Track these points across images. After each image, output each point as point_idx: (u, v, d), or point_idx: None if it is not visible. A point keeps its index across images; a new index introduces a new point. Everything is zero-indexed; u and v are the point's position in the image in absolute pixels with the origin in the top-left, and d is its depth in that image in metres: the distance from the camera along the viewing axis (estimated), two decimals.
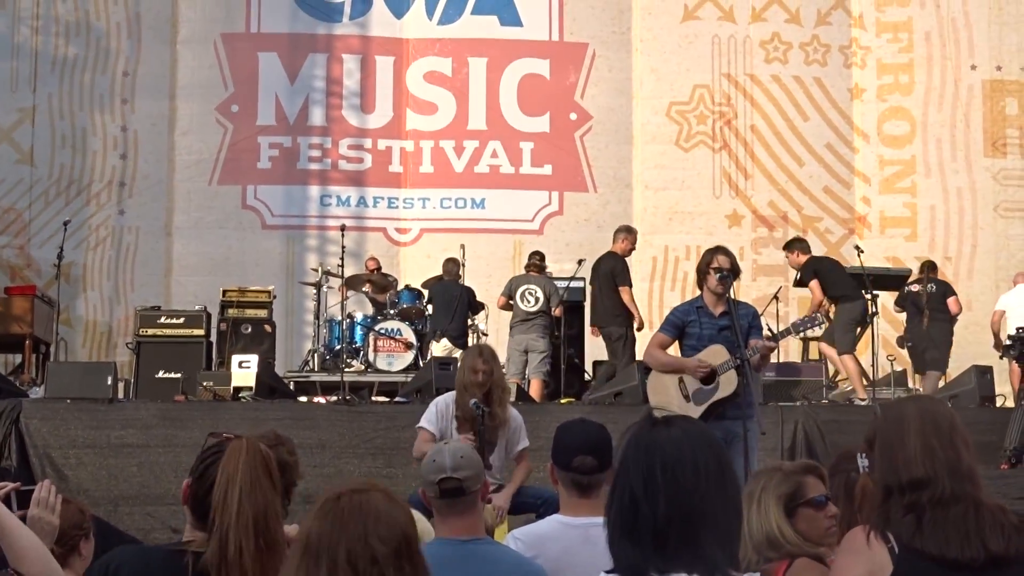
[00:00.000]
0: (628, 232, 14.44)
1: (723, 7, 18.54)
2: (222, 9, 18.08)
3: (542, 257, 15.09)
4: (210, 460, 3.36)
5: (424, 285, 15.63)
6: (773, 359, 13.23)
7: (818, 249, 17.70)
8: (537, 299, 14.27)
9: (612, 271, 13.99)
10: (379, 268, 16.03)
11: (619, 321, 13.92)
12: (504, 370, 12.92)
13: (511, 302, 14.46)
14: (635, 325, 13.95)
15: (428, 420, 8.22)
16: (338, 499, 2.89)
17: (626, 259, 14.21)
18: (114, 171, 17.56)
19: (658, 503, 2.45)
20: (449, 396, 8.31)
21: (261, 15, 18.16)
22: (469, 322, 14.92)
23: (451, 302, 14.59)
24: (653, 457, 2.49)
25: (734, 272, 8.69)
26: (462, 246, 15.65)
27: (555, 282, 14.64)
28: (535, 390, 13.77)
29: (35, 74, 17.50)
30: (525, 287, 14.37)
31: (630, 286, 14.06)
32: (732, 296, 8.68)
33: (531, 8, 18.52)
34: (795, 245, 14.23)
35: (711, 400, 8.48)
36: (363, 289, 15.53)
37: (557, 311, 14.32)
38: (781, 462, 4.21)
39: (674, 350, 9.04)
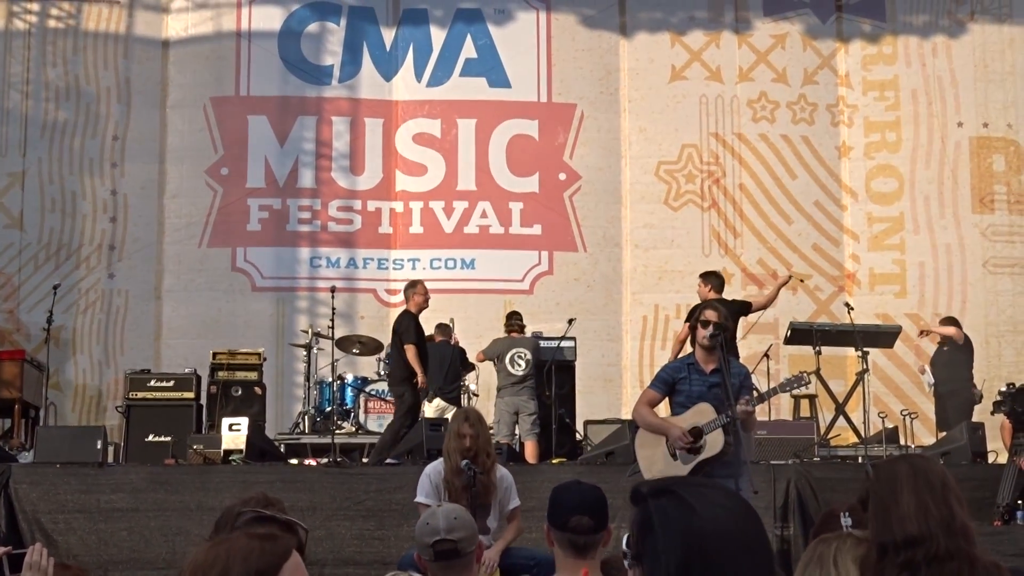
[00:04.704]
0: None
1: (710, 67, 18.65)
2: (212, 73, 18.15)
3: (520, 317, 15.07)
4: None
5: None
6: (763, 417, 13.22)
7: (808, 307, 17.79)
8: (528, 362, 14.30)
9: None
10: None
11: None
12: (494, 431, 12.95)
13: (497, 363, 14.45)
14: None
15: (424, 493, 8.15)
16: (207, 544, 2.59)
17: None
18: (104, 235, 17.55)
19: None
20: (437, 464, 8.28)
21: (251, 79, 18.21)
22: (461, 382, 14.91)
23: (443, 362, 14.58)
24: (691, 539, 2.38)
25: (725, 327, 8.67)
26: (452, 319, 15.57)
27: (539, 341, 14.68)
28: (530, 452, 13.76)
29: (25, 139, 17.52)
30: (515, 351, 14.36)
31: None
32: (724, 352, 8.64)
33: (520, 70, 18.59)
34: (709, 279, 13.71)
35: (697, 460, 8.44)
36: (353, 351, 15.52)
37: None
38: (851, 529, 4.10)
39: (664, 408, 9.02)
